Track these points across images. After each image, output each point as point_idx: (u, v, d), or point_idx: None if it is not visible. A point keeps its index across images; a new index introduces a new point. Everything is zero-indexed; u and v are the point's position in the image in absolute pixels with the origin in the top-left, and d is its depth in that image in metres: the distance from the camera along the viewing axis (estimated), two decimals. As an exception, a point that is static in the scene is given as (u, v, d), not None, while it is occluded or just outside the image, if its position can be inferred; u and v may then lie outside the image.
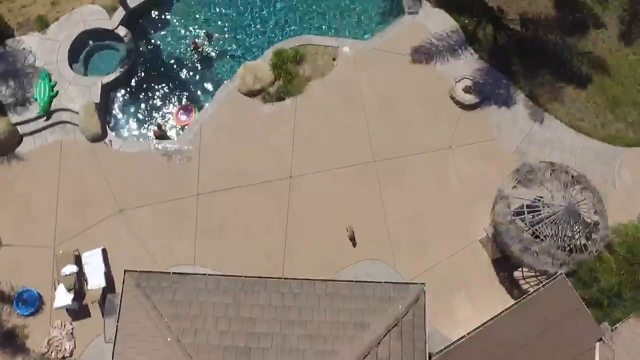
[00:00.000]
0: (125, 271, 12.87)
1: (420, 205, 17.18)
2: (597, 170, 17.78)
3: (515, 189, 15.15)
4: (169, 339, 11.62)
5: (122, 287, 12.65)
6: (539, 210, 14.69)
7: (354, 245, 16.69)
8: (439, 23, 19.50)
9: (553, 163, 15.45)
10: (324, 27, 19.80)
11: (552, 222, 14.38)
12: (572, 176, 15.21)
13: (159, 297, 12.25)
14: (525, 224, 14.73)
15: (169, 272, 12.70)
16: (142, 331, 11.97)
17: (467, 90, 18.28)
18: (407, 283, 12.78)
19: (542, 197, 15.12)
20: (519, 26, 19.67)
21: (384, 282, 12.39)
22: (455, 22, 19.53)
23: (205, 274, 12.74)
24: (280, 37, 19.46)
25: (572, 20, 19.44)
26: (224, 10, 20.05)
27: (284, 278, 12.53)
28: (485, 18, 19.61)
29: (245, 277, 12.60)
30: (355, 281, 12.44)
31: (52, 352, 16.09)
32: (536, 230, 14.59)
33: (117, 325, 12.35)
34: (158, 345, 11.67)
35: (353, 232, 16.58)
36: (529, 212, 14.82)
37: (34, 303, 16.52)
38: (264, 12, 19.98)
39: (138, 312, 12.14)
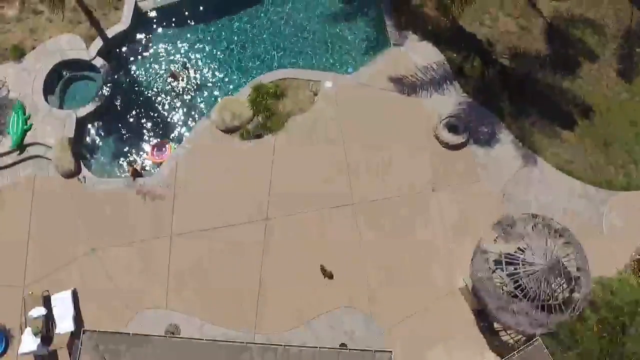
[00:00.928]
0: (83, 331, 12.49)
1: (401, 250, 16.67)
2: (585, 214, 17.21)
3: (495, 242, 14.60)
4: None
5: (80, 348, 12.23)
6: (518, 264, 14.14)
7: (331, 278, 16.24)
8: (425, 56, 18.90)
9: (536, 215, 14.88)
10: (305, 60, 19.22)
11: (531, 280, 13.83)
12: (555, 229, 14.63)
13: (116, 359, 11.84)
14: (503, 278, 14.19)
15: (129, 333, 12.26)
16: (97, 398, 11.57)
17: (452, 129, 17.70)
18: (375, 351, 12.27)
19: (524, 250, 14.55)
20: (508, 61, 19.02)
21: (350, 350, 11.90)
22: (442, 55, 18.90)
23: (166, 336, 12.25)
24: (259, 71, 18.88)
25: (563, 56, 18.78)
26: (203, 43, 19.54)
27: (247, 343, 12.07)
28: (473, 51, 18.97)
29: (206, 340, 12.13)
30: (320, 348, 11.95)
31: (18, 399, 15.73)
32: (516, 282, 14.06)
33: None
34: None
35: (329, 271, 16.16)
36: (507, 265, 14.28)
37: (0, 348, 16.16)
38: (244, 45, 19.44)
39: (95, 377, 11.74)
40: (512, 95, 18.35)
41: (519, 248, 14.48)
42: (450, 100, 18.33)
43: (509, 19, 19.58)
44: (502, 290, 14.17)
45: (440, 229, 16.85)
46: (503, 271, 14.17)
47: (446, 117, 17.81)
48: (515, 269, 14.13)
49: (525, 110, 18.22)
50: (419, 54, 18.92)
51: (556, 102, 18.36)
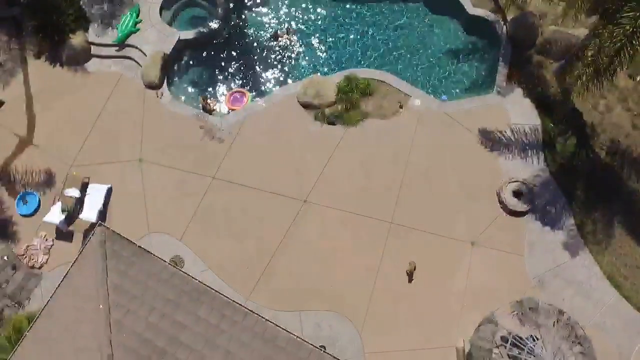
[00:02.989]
0: (99, 223, 13.03)
1: (415, 286, 16.19)
2: (614, 338, 15.91)
3: (510, 318, 13.88)
4: (100, 306, 11.64)
5: (90, 237, 12.81)
6: (524, 350, 13.38)
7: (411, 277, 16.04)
8: (522, 115, 18.16)
9: (563, 312, 13.99)
10: (405, 71, 18.98)
11: (529, 372, 13.09)
12: (577, 335, 13.72)
13: (114, 263, 12.29)
14: (502, 357, 13.49)
15: (135, 244, 12.67)
16: (84, 287, 12.09)
17: (517, 194, 16.93)
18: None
19: (536, 340, 13.76)
20: (605, 153, 17.92)
21: (324, 352, 11.72)
22: (540, 121, 18.08)
23: (165, 261, 12.58)
24: (357, 64, 18.85)
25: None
26: (320, 18, 19.74)
27: (233, 301, 12.13)
28: (572, 129, 17.98)
29: (199, 281, 12.34)
30: (297, 336, 11.84)
31: (25, 257, 16.75)
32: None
33: (68, 270, 12.56)
34: (89, 307, 11.74)
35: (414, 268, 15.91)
36: (513, 346, 13.56)
37: (32, 207, 17.29)
38: (354, 34, 19.46)
39: (90, 267, 12.26)
40: (593, 188, 17.27)
41: (531, 336, 13.70)
42: (527, 166, 17.54)
43: (625, 113, 18.42)
44: (497, 367, 13.48)
45: (461, 284, 16.20)
46: (505, 349, 13.44)
47: (516, 181, 17.06)
48: (519, 354, 13.38)
49: (599, 208, 17.09)
50: (516, 111, 18.21)
51: (634, 212, 17.09)
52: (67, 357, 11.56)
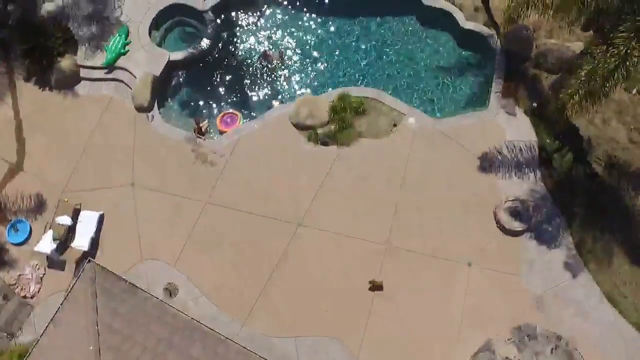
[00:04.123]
0: (88, 260, 12.85)
1: (410, 311, 15.98)
2: (614, 357, 15.78)
3: (507, 346, 13.71)
4: (90, 348, 11.48)
5: (79, 274, 12.63)
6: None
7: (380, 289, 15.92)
8: (517, 131, 17.92)
9: (560, 337, 13.83)
10: (397, 87, 18.74)
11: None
12: (575, 361, 13.55)
13: (104, 300, 12.16)
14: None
15: (125, 280, 12.50)
16: (74, 326, 11.93)
17: (513, 213, 16.73)
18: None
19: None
20: (602, 167, 17.70)
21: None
22: (536, 137, 17.86)
23: (157, 298, 12.40)
24: (350, 83, 18.63)
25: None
26: (312, 35, 19.55)
27: (226, 337, 11.97)
28: (569, 145, 17.78)
29: (191, 318, 12.18)
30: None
31: (17, 287, 16.56)
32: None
33: (59, 308, 12.39)
34: (80, 348, 11.58)
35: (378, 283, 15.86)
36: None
37: (23, 236, 17.12)
38: (346, 52, 19.23)
39: (80, 305, 12.11)
40: (591, 205, 17.07)
41: (529, 362, 13.56)
42: (524, 183, 17.32)
43: (621, 127, 18.20)
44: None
45: (458, 307, 16.00)
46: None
47: (513, 200, 16.86)
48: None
49: (598, 225, 16.88)
50: (512, 127, 17.99)
51: (633, 230, 16.90)
52: (57, 401, 11.39)
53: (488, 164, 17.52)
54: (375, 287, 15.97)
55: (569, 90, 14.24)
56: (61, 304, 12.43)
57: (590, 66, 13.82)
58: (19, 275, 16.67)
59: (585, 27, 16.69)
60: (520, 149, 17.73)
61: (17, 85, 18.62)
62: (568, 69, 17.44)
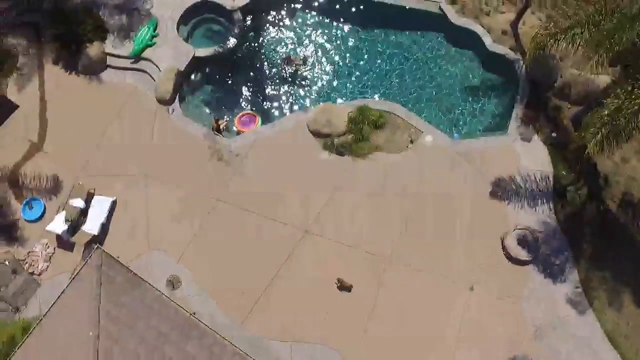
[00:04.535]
0: (97, 246, 13.09)
1: (410, 325, 15.99)
2: (610, 397, 15.66)
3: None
4: (90, 334, 11.69)
5: (86, 260, 12.87)
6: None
7: (349, 290, 16.15)
8: (534, 160, 17.82)
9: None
10: (419, 105, 18.76)
11: None
12: (568, 398, 13.43)
13: (108, 289, 12.36)
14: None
15: (130, 270, 12.71)
16: (77, 311, 12.17)
17: (521, 242, 16.65)
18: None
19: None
20: (617, 206, 17.51)
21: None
22: (551, 167, 17.74)
23: (160, 292, 12.59)
24: (371, 94, 18.71)
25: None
26: (338, 43, 19.64)
27: (223, 338, 12.11)
28: (585, 179, 17.62)
29: (191, 314, 12.35)
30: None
31: (26, 263, 16.92)
32: None
33: (63, 290, 12.65)
34: (80, 333, 11.81)
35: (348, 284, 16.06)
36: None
37: (37, 213, 17.45)
38: (369, 64, 19.31)
39: (84, 291, 12.34)
40: (601, 242, 16.90)
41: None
42: (535, 213, 17.22)
43: (640, 165, 18.02)
44: None
45: (455, 329, 15.98)
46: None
47: (522, 229, 16.78)
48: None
49: (605, 263, 16.72)
50: (529, 155, 17.89)
51: (642, 274, 16.73)
52: (53, 382, 11.64)
53: (501, 189, 17.46)
54: (343, 287, 16.02)
55: (591, 129, 14.06)
56: (66, 287, 12.67)
57: (615, 105, 13.67)
58: (29, 252, 17.02)
59: (613, 62, 16.50)
60: (535, 178, 17.62)
61: (46, 68, 18.98)
62: (592, 103, 17.32)
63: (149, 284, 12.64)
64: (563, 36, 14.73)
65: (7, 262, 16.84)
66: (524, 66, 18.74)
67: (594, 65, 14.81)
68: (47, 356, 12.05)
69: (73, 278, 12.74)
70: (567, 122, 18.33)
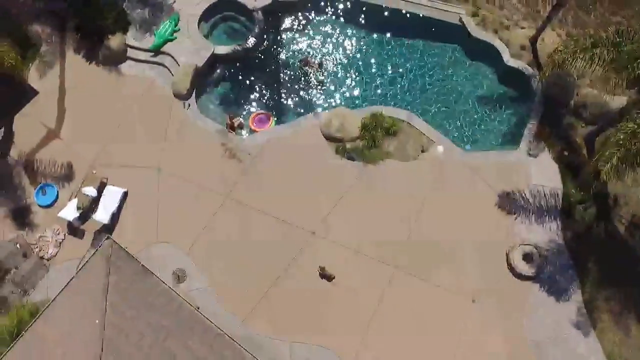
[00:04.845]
0: (107, 236, 13.33)
1: (409, 334, 16.08)
2: (606, 418, 15.67)
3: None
4: (96, 322, 11.93)
5: (97, 249, 13.13)
6: None
7: (329, 280, 16.39)
8: (544, 177, 17.83)
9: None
10: (434, 114, 18.85)
11: None
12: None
13: (116, 280, 12.62)
14: None
15: (138, 262, 12.94)
16: (84, 299, 12.42)
17: (526, 258, 16.70)
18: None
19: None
20: (624, 228, 17.49)
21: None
22: (561, 184, 17.75)
23: (166, 285, 12.82)
24: (386, 102, 18.81)
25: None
26: (352, 49, 19.79)
27: (225, 333, 12.31)
28: (594, 199, 17.60)
29: (195, 309, 12.55)
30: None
31: (37, 247, 17.23)
32: None
33: (73, 277, 12.92)
34: (86, 320, 12.07)
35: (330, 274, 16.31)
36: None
37: (50, 199, 17.76)
38: (386, 71, 19.43)
39: (92, 280, 12.59)
40: (606, 263, 16.89)
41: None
42: (542, 229, 17.24)
43: (653, 189, 17.96)
44: None
45: (455, 340, 16.05)
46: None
47: (528, 244, 16.82)
48: None
49: (610, 285, 16.72)
50: (539, 171, 17.91)
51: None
52: (57, 366, 11.90)
53: (509, 203, 17.50)
54: (324, 275, 16.25)
55: (606, 153, 14.03)
56: (75, 275, 12.93)
57: (630, 130, 13.67)
58: (40, 236, 17.31)
59: (630, 84, 16.48)
60: (544, 195, 17.64)
61: (67, 56, 19.30)
62: (606, 123, 17.32)
63: (157, 276, 12.82)
64: (582, 55, 14.76)
65: (18, 245, 17.16)
66: (540, 82, 18.75)
67: (611, 86, 14.90)
68: (53, 341, 12.30)
69: (83, 266, 12.98)
70: (580, 141, 18.32)
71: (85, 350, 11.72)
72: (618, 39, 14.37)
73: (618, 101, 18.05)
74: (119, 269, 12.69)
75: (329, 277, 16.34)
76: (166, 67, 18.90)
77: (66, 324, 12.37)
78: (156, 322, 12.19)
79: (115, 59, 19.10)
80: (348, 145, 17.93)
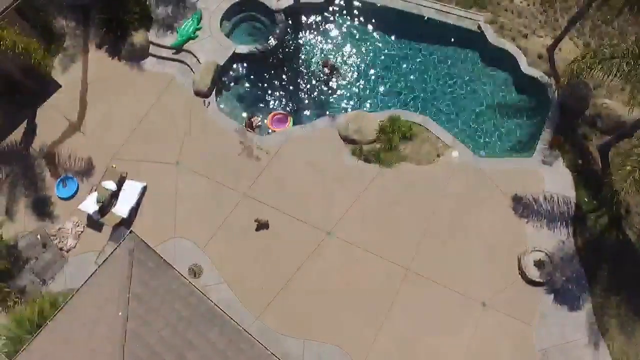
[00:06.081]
0: (130, 230, 13.61)
1: (420, 336, 16.35)
2: None
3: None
4: (120, 314, 12.21)
5: (120, 243, 13.41)
6: None
7: (266, 228, 17.07)
8: (557, 184, 18.04)
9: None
10: (450, 119, 19.08)
11: None
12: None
13: (138, 272, 12.87)
14: None
15: (160, 256, 13.22)
16: (107, 290, 12.70)
17: (538, 264, 16.90)
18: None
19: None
20: (636, 237, 17.68)
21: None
22: (574, 193, 17.95)
23: (187, 279, 13.09)
24: (403, 105, 19.06)
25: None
26: (372, 53, 20.01)
27: (243, 329, 12.57)
28: (606, 207, 17.80)
29: (214, 304, 12.82)
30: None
31: (56, 239, 17.55)
32: None
33: (96, 270, 13.21)
34: (108, 312, 12.33)
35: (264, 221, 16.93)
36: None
37: (70, 192, 18.07)
38: (404, 75, 19.65)
39: (116, 272, 12.86)
40: (617, 272, 17.09)
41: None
42: (554, 236, 17.44)
43: (664, 200, 18.12)
44: None
45: (464, 343, 16.29)
46: None
47: (540, 251, 17.02)
48: None
49: (621, 294, 16.91)
50: (553, 179, 18.11)
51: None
52: (80, 356, 12.16)
53: (522, 211, 17.71)
54: (261, 225, 16.84)
55: (627, 167, 14.18)
56: (99, 267, 13.21)
57: None
58: (59, 228, 17.62)
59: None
60: (557, 202, 17.84)
61: (90, 51, 19.60)
62: (621, 134, 17.49)
63: (177, 270, 13.10)
64: (600, 65, 14.93)
65: (38, 236, 17.48)
66: (556, 91, 18.94)
67: (628, 98, 15.07)
68: (75, 330, 12.58)
69: (106, 259, 13.26)
70: (594, 151, 18.49)
71: (108, 341, 11.98)
72: (638, 50, 14.52)
73: (635, 112, 18.14)
74: (141, 261, 12.96)
75: (265, 225, 16.93)
76: (187, 64, 19.17)
77: (90, 315, 12.64)
78: (177, 314, 12.45)
79: (137, 55, 19.39)
80: (365, 148, 18.18)
